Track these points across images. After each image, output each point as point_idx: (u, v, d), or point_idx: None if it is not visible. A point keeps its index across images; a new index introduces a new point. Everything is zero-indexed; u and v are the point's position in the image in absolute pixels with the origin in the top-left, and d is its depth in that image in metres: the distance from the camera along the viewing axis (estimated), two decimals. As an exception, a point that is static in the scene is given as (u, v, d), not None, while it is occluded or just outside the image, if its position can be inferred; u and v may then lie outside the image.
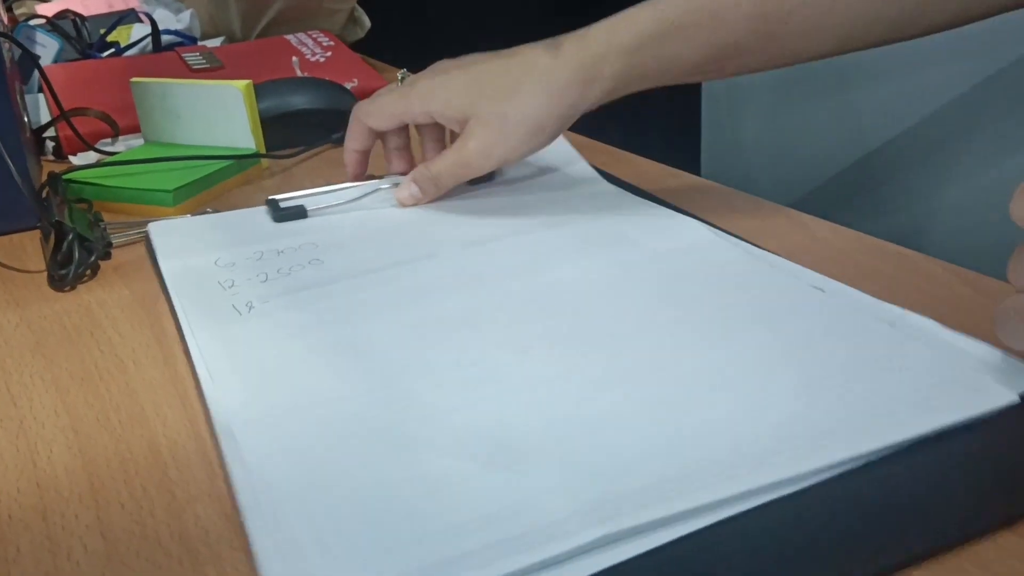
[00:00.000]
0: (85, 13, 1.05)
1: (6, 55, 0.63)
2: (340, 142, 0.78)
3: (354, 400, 0.39)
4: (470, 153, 0.59)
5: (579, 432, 0.36)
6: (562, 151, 0.68)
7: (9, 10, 1.08)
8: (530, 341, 0.43)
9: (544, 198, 0.62)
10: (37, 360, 0.46)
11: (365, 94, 0.87)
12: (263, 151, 0.72)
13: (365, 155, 0.66)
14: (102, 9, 1.11)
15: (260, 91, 0.72)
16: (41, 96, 0.86)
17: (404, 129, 0.65)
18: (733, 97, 1.24)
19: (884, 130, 0.89)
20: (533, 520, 0.31)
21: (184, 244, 0.57)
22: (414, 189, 0.61)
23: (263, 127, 0.72)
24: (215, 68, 0.91)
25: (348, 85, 0.86)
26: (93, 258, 0.54)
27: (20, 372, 0.45)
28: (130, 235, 0.60)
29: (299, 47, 0.97)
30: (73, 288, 0.54)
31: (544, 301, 0.47)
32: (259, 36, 1.10)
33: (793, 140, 1.17)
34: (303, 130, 0.77)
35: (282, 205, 0.61)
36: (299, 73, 0.91)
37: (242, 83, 0.70)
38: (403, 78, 0.66)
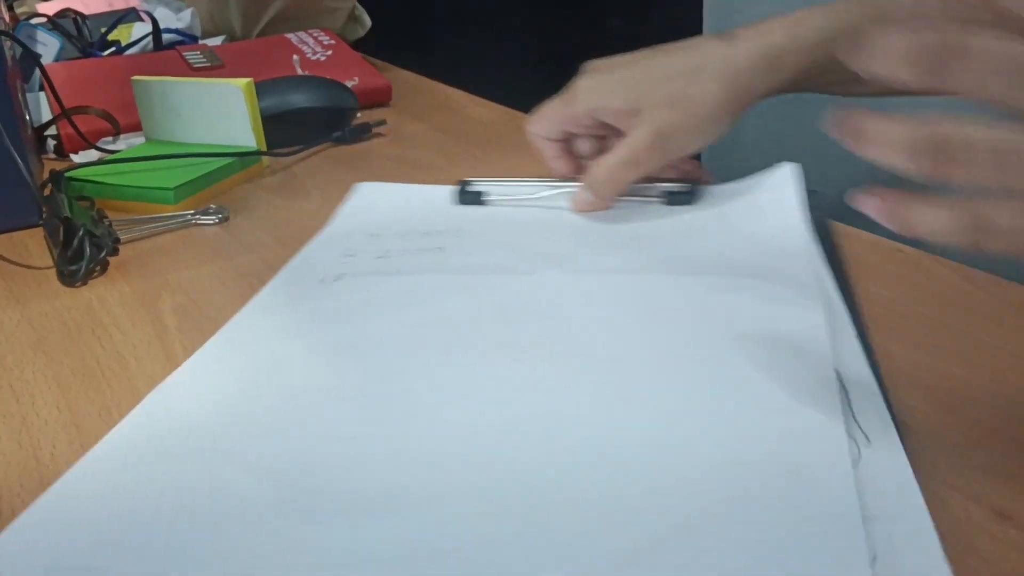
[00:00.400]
0: (86, 12, 1.05)
1: (7, 53, 0.63)
2: (340, 141, 0.78)
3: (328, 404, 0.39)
4: (642, 143, 0.55)
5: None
6: (783, 199, 0.57)
7: (10, 9, 1.09)
8: (534, 375, 0.41)
9: (724, 241, 0.54)
10: (39, 357, 0.46)
11: (366, 93, 0.88)
12: (264, 149, 0.72)
13: (565, 150, 0.62)
14: (103, 8, 1.11)
15: (261, 89, 0.73)
16: (42, 94, 0.86)
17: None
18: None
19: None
20: None
21: (368, 207, 0.62)
22: (588, 194, 0.58)
23: (264, 125, 0.72)
24: (216, 67, 0.91)
25: (349, 83, 0.86)
26: (102, 254, 0.55)
27: (22, 368, 0.45)
28: (136, 232, 0.60)
29: (300, 46, 0.97)
30: (84, 284, 0.54)
31: (604, 346, 0.43)
32: (259, 35, 1.10)
33: (793, 139, 1.16)
34: (304, 128, 0.77)
35: (467, 188, 0.62)
36: (300, 72, 0.91)
37: (243, 81, 0.70)
38: None
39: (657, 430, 0.36)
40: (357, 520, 0.32)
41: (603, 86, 0.57)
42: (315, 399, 0.40)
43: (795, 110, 1.16)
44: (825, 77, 0.55)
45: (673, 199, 0.59)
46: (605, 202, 0.59)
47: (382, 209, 0.62)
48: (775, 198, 0.56)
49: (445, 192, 0.63)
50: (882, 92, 0.56)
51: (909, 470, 0.33)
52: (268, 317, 0.48)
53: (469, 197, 0.62)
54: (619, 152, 0.57)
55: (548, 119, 0.60)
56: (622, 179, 0.57)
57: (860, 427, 0.35)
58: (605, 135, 0.60)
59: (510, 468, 0.34)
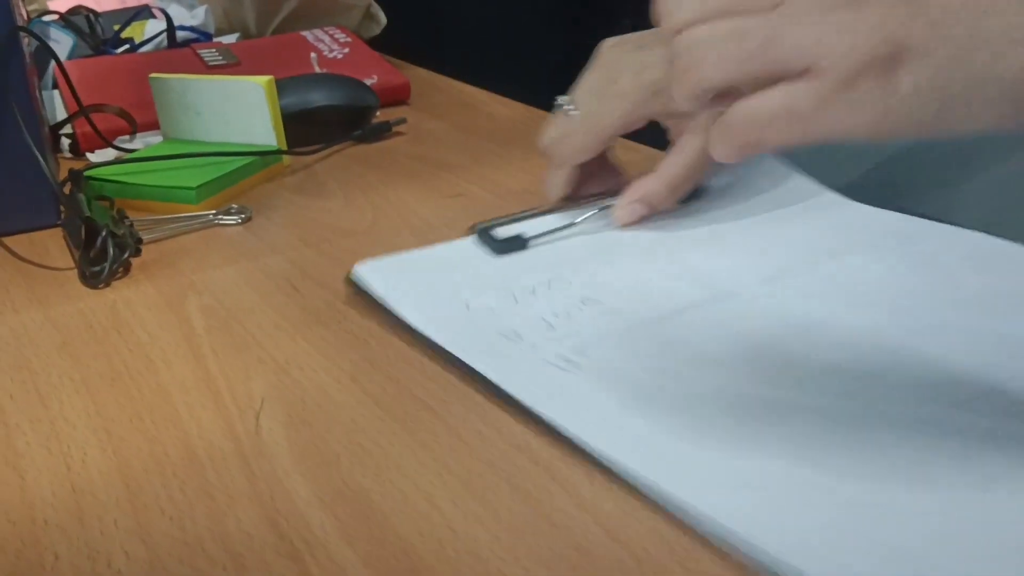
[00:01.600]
0: (98, 9, 1.04)
1: (25, 50, 0.62)
2: (361, 139, 0.77)
3: None
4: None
5: None
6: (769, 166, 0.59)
7: (23, 6, 1.07)
8: None
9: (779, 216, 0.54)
10: (64, 360, 0.45)
11: (385, 91, 0.87)
12: (285, 148, 0.71)
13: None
14: (115, 5, 1.10)
15: (281, 87, 0.71)
16: (56, 92, 0.85)
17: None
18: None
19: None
20: None
21: (414, 287, 0.48)
22: (639, 208, 0.54)
23: (284, 124, 0.71)
24: (232, 64, 0.90)
25: (367, 82, 0.85)
26: (126, 255, 0.54)
27: (48, 372, 0.44)
28: (158, 232, 0.59)
29: (316, 43, 0.96)
30: (107, 285, 0.53)
31: None
32: (274, 32, 1.09)
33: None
34: (324, 127, 0.76)
35: (499, 236, 0.53)
36: (318, 69, 0.90)
37: (264, 79, 0.69)
38: (570, 107, 0.56)
39: None
40: None
41: (652, 80, 0.53)
42: None
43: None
44: None
45: (686, 198, 0.56)
46: (654, 212, 0.55)
47: (436, 283, 0.49)
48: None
49: (462, 248, 0.53)
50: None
51: None
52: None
53: (509, 245, 0.53)
54: (683, 155, 0.54)
55: (594, 142, 0.55)
56: (685, 185, 0.55)
57: None
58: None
59: None
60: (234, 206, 0.63)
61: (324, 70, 0.90)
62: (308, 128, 0.75)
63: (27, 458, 0.37)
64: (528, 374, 0.40)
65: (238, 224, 0.61)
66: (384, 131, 0.79)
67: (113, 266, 0.53)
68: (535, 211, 0.57)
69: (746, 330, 0.43)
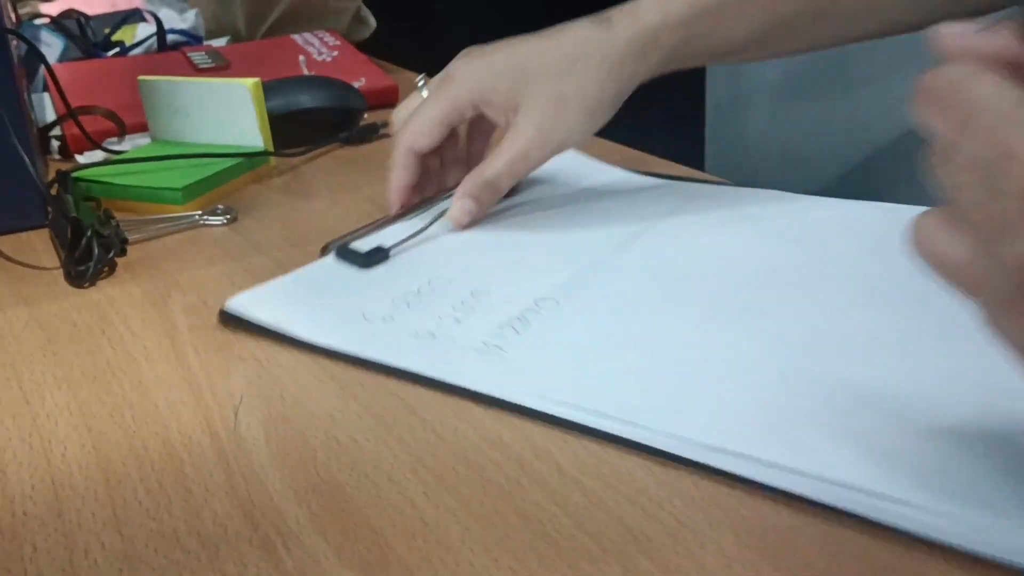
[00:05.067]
0: (89, 12, 1.05)
1: (13, 53, 0.63)
2: (348, 142, 0.78)
3: None
4: (528, 142, 0.54)
5: None
6: (574, 159, 0.65)
7: (14, 9, 1.08)
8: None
9: (612, 201, 0.59)
10: (48, 357, 0.46)
11: (373, 93, 0.87)
12: (272, 149, 0.72)
13: (414, 189, 0.59)
14: (106, 8, 1.11)
15: (268, 89, 0.72)
16: (46, 95, 0.85)
17: (454, 137, 0.59)
18: (737, 96, 1.24)
19: (889, 129, 0.89)
20: None
21: (300, 308, 0.48)
22: (468, 204, 0.55)
23: (271, 125, 0.71)
24: (221, 67, 0.91)
25: (356, 84, 0.85)
26: (111, 255, 0.54)
27: (31, 369, 0.44)
28: (144, 232, 0.59)
29: (305, 46, 0.97)
30: (92, 284, 0.53)
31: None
32: (264, 36, 1.10)
33: (797, 139, 1.16)
34: (311, 129, 0.77)
35: (360, 250, 0.53)
36: (307, 72, 0.90)
37: (250, 81, 0.70)
38: (423, 84, 0.60)
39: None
40: None
41: (483, 76, 0.55)
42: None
43: (799, 109, 1.16)
44: (699, 50, 0.56)
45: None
46: (487, 209, 0.56)
47: (317, 306, 0.48)
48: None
49: (324, 268, 0.53)
50: (774, 56, 0.58)
51: None
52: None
53: (372, 258, 0.52)
54: (505, 153, 0.55)
55: (432, 123, 0.56)
56: (507, 183, 0.56)
57: None
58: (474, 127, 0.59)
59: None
60: (220, 206, 0.63)
61: (313, 73, 0.90)
62: (295, 130, 0.75)
63: (8, 452, 0.38)
64: (461, 362, 0.41)
65: (224, 224, 0.62)
66: (371, 133, 0.79)
67: (98, 266, 0.53)
68: (384, 220, 0.57)
69: (629, 288, 0.48)
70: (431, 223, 0.55)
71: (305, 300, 0.49)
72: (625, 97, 0.56)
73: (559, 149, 0.55)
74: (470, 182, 0.55)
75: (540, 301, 0.46)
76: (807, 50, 0.58)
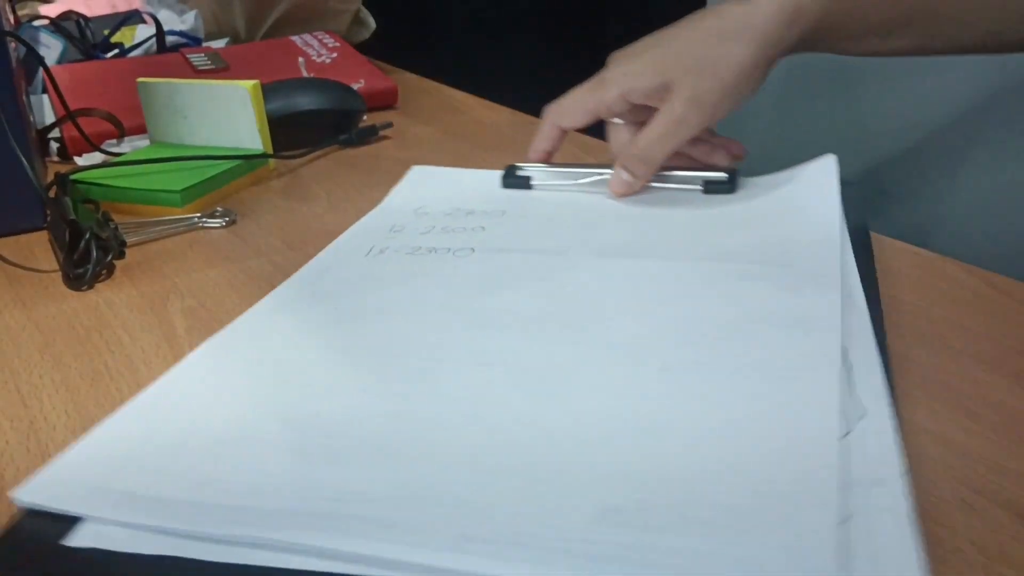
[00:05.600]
0: (88, 14, 1.05)
1: (12, 55, 0.63)
2: (348, 143, 0.78)
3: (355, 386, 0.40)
4: (678, 112, 0.56)
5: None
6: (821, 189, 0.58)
7: (12, 11, 1.08)
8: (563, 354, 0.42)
9: (757, 231, 0.53)
10: (46, 360, 0.45)
11: (372, 95, 0.87)
12: (270, 151, 0.71)
13: (551, 155, 0.64)
14: (105, 10, 1.10)
15: (267, 91, 0.72)
16: (45, 97, 0.85)
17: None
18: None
19: (890, 132, 0.89)
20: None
21: (419, 187, 0.64)
22: (623, 175, 0.59)
23: (270, 128, 0.71)
24: (220, 69, 0.91)
25: (355, 86, 0.85)
26: (109, 257, 0.54)
27: (29, 372, 0.44)
28: (142, 235, 0.59)
29: (305, 48, 0.96)
30: (91, 287, 0.53)
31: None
32: (263, 37, 1.09)
33: (798, 142, 1.16)
34: (310, 131, 0.77)
35: (514, 173, 0.64)
36: (306, 74, 0.90)
37: (249, 83, 0.70)
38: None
39: (653, 401, 0.37)
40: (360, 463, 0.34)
41: (632, 69, 0.58)
42: (337, 359, 0.42)
43: (800, 112, 1.16)
44: (835, 28, 0.56)
45: (711, 187, 0.60)
46: (642, 181, 0.59)
47: (432, 189, 0.64)
48: (813, 190, 0.57)
49: (495, 176, 0.65)
50: (890, 52, 0.58)
51: (895, 440, 0.33)
52: (310, 284, 0.51)
53: (515, 181, 0.64)
54: (655, 126, 0.57)
55: (575, 108, 0.60)
56: (660, 152, 0.58)
57: (858, 400, 0.36)
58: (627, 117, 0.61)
59: (506, 430, 0.36)
60: (219, 209, 0.63)
61: (312, 75, 0.90)
62: (294, 132, 0.75)
63: (6, 456, 0.37)
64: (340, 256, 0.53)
65: (223, 227, 0.62)
66: (371, 135, 0.79)
67: (96, 268, 0.53)
68: (572, 168, 0.64)
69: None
70: (587, 181, 0.62)
71: (437, 189, 0.64)
72: (772, 67, 0.57)
73: (709, 119, 0.57)
74: (625, 154, 0.59)
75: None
76: (914, 53, 0.59)
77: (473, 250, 0.54)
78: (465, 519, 0.30)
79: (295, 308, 0.48)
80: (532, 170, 0.64)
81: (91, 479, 0.34)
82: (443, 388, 0.39)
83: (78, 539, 0.31)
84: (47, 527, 0.32)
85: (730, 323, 0.43)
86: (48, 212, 0.61)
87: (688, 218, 0.57)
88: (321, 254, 0.55)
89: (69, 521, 0.32)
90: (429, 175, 0.67)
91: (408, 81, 0.99)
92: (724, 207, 0.58)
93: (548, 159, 0.64)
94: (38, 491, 0.33)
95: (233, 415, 0.38)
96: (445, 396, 0.39)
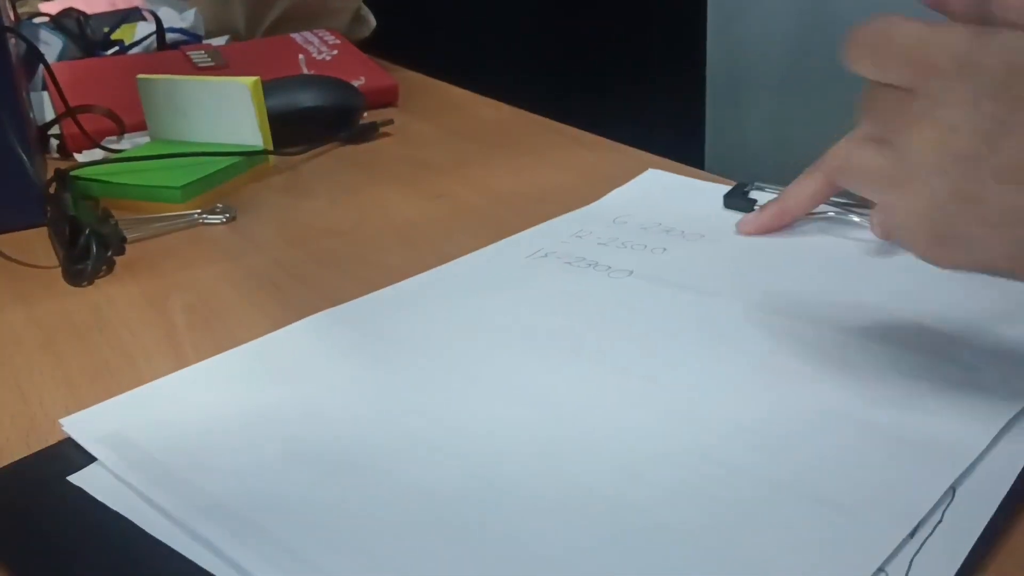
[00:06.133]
0: (88, 11, 1.04)
1: (12, 51, 0.63)
2: (348, 140, 0.78)
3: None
4: None
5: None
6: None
7: (13, 8, 1.08)
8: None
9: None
10: (47, 357, 0.45)
11: (372, 93, 0.87)
12: (271, 148, 0.71)
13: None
14: (105, 7, 1.10)
15: (267, 88, 0.72)
16: (45, 94, 0.85)
17: None
18: (737, 94, 1.24)
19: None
20: None
21: (639, 192, 0.62)
22: (761, 217, 0.54)
23: (270, 124, 0.71)
24: (220, 66, 0.91)
25: (355, 83, 0.85)
26: (109, 253, 0.54)
27: (30, 369, 0.44)
28: (142, 231, 0.59)
29: (305, 46, 0.96)
30: (91, 283, 0.53)
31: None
32: (263, 35, 1.09)
33: (797, 138, 1.16)
34: (311, 128, 0.77)
35: (743, 192, 0.58)
36: (306, 71, 0.90)
37: (250, 79, 0.69)
38: None
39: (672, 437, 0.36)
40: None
41: None
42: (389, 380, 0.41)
43: (800, 107, 1.16)
44: None
45: None
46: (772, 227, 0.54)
47: (650, 196, 0.61)
48: None
49: (716, 190, 0.60)
50: None
51: None
52: (463, 276, 0.51)
53: (738, 203, 0.58)
54: (800, 187, 0.54)
55: (807, 194, 0.54)
56: (798, 214, 0.55)
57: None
58: None
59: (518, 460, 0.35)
60: (219, 205, 0.63)
61: (312, 72, 0.90)
62: (294, 129, 0.75)
63: (6, 452, 0.37)
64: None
65: (223, 223, 0.62)
66: (371, 132, 0.79)
67: (96, 264, 0.53)
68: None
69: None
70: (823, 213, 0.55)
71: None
72: None
73: None
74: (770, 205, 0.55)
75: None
76: None
77: (631, 272, 0.50)
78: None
79: (399, 304, 0.48)
80: (764, 193, 0.58)
81: (118, 428, 0.37)
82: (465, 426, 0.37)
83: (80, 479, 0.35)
84: (60, 461, 0.36)
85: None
86: (48, 208, 0.61)
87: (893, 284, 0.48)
88: (502, 242, 0.54)
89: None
90: (658, 180, 0.64)
91: (408, 78, 0.99)
92: None
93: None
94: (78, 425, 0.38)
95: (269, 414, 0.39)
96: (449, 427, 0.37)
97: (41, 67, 0.87)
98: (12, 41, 0.63)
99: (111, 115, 0.76)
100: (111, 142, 0.77)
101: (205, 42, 1.02)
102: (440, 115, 0.87)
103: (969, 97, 0.29)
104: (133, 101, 0.75)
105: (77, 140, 0.76)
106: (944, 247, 0.32)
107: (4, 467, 0.36)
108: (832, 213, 0.55)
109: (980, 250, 0.31)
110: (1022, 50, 0.28)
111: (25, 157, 0.59)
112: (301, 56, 0.93)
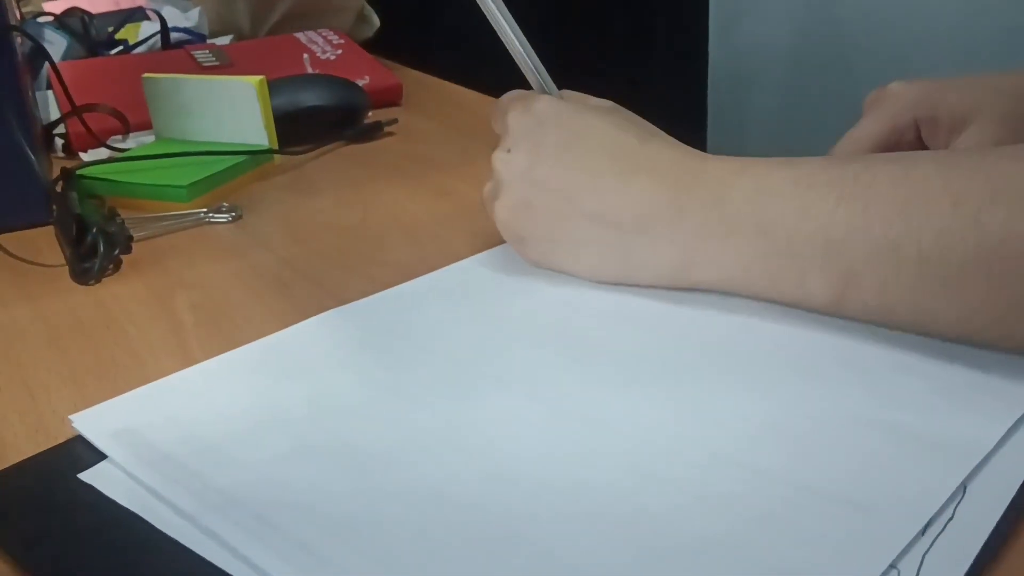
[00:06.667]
0: (92, 10, 1.04)
1: (17, 50, 0.63)
2: (353, 139, 0.78)
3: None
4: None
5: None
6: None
7: (17, 7, 1.08)
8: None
9: None
10: (54, 354, 0.45)
11: (377, 92, 0.87)
12: (276, 147, 0.71)
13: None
14: (109, 7, 1.10)
15: (272, 88, 0.72)
16: (50, 93, 0.85)
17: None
18: (739, 87, 1.24)
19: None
20: None
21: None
22: None
23: (275, 123, 0.71)
24: (225, 65, 0.91)
25: (360, 82, 0.85)
26: (116, 251, 0.54)
27: (36, 367, 0.44)
28: (149, 230, 0.59)
29: (309, 45, 0.96)
30: (98, 281, 0.53)
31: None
32: (267, 34, 1.09)
33: (799, 130, 1.16)
34: (315, 127, 0.77)
35: None
36: (310, 71, 0.90)
37: (255, 78, 0.70)
38: None
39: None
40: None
41: (930, 87, 0.52)
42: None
43: (801, 100, 1.16)
44: None
45: None
46: None
47: None
48: None
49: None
50: None
51: None
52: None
53: None
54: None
55: (866, 138, 0.53)
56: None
57: None
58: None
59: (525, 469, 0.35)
60: (225, 204, 0.63)
61: (316, 71, 0.90)
62: (299, 128, 0.75)
63: (13, 450, 0.38)
64: None
65: (229, 222, 0.62)
66: (376, 131, 0.79)
67: (103, 263, 0.53)
68: None
69: None
70: None
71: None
72: None
73: None
74: None
75: None
76: None
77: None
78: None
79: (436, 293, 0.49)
80: None
81: (130, 424, 0.38)
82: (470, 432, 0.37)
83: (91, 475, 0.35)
84: (69, 458, 0.36)
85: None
86: (54, 207, 0.61)
87: None
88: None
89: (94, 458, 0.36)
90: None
91: (412, 78, 0.99)
92: None
93: None
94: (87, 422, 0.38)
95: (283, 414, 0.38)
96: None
97: (46, 66, 0.87)
98: (17, 40, 0.63)
99: (116, 114, 0.76)
100: (116, 141, 0.77)
101: (209, 41, 1.02)
102: (444, 114, 0.87)
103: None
104: (138, 100, 0.75)
105: (82, 139, 0.76)
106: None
107: (14, 465, 0.36)
108: None
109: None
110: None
111: (31, 156, 0.59)
112: (305, 55, 0.93)
